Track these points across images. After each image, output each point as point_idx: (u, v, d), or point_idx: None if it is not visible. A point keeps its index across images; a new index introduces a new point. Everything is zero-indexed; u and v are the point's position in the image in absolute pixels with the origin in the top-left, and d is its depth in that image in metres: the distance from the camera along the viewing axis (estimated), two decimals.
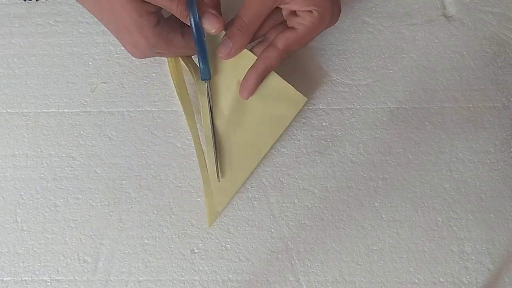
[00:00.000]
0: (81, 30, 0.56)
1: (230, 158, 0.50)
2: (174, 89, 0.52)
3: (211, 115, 0.50)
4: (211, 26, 0.46)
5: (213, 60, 0.50)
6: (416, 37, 0.55)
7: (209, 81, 0.49)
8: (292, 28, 0.48)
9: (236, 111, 0.50)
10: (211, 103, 0.49)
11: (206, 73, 0.48)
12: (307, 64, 0.54)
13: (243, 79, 0.49)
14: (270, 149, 0.52)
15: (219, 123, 0.50)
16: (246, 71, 0.49)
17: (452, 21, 0.56)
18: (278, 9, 0.49)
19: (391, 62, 0.54)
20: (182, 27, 0.47)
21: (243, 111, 0.50)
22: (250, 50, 0.50)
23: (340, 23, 0.55)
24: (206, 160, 0.50)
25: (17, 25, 0.56)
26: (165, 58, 0.53)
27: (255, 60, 0.49)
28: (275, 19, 0.50)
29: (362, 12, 0.56)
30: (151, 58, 0.54)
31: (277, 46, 0.48)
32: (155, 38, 0.45)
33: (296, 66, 0.54)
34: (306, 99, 0.51)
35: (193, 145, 0.51)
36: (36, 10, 0.56)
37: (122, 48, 0.55)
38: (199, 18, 0.45)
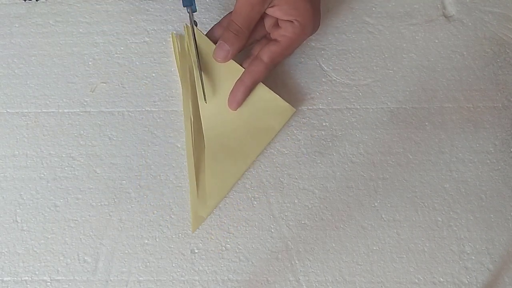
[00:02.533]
0: (81, 30, 0.56)
1: (216, 166, 0.50)
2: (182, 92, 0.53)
3: (196, 50, 0.50)
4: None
5: (204, 72, 0.50)
6: (416, 37, 0.55)
7: (191, 11, 0.50)
8: (275, 40, 0.50)
9: (224, 121, 0.50)
10: (194, 33, 0.50)
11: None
12: (307, 64, 0.54)
13: (231, 92, 0.50)
14: (269, 149, 0.52)
15: (207, 132, 0.50)
16: (234, 82, 0.50)
17: (452, 21, 0.56)
18: (261, 23, 0.50)
19: (391, 62, 0.54)
20: None
21: (231, 121, 0.51)
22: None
23: (340, 23, 0.55)
24: (196, 165, 0.50)
25: (17, 25, 0.56)
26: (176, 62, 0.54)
27: (242, 72, 0.50)
28: (259, 31, 0.51)
29: (362, 12, 0.56)
30: (151, 58, 0.54)
31: (262, 60, 0.50)
32: None
33: (296, 66, 0.54)
34: (294, 110, 0.52)
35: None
36: (36, 10, 0.56)
37: (122, 48, 0.55)
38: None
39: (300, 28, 0.49)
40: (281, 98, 0.51)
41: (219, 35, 0.51)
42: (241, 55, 0.51)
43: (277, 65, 0.52)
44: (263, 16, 0.50)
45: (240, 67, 0.51)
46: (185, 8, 0.50)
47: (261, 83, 0.51)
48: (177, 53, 0.53)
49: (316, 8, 0.49)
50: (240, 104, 0.50)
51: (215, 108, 0.51)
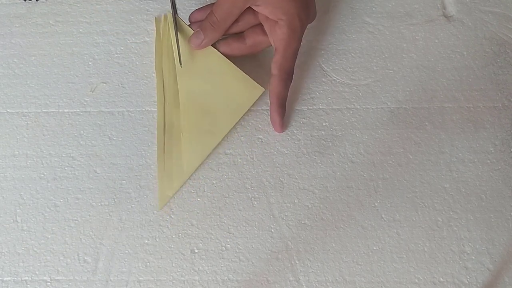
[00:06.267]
0: (81, 30, 0.56)
1: (184, 144, 0.51)
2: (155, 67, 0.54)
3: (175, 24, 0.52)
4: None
5: (182, 50, 0.52)
6: (416, 37, 0.55)
7: None
8: (275, 49, 0.50)
9: (192, 99, 0.51)
10: (175, 12, 0.52)
11: None
12: (307, 64, 0.54)
13: (271, 119, 0.51)
14: (269, 149, 0.52)
15: (175, 109, 0.51)
16: (210, 65, 0.52)
17: (452, 21, 0.56)
18: (254, 12, 0.51)
19: (391, 62, 0.54)
20: None
21: (199, 99, 0.51)
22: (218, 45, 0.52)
23: (340, 23, 0.55)
24: (165, 144, 0.51)
25: (17, 25, 0.56)
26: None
27: (219, 56, 0.52)
28: (250, 20, 0.51)
29: (362, 12, 0.56)
30: (151, 58, 0.54)
31: (273, 74, 0.51)
32: None
33: (296, 66, 0.54)
34: (263, 89, 0.52)
35: None
36: (36, 10, 0.56)
37: (122, 48, 0.55)
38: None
39: (287, 27, 0.49)
40: (250, 78, 0.52)
41: (195, 19, 0.53)
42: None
43: (291, 72, 0.51)
44: (255, 13, 0.51)
45: (216, 50, 0.52)
46: None
47: (231, 63, 0.52)
48: (157, 38, 0.55)
49: (303, 3, 0.49)
50: (282, 124, 0.51)
51: (185, 87, 0.51)
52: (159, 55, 0.54)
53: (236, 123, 0.52)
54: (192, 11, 0.53)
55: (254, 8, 0.50)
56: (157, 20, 0.55)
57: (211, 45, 0.52)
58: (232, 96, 0.52)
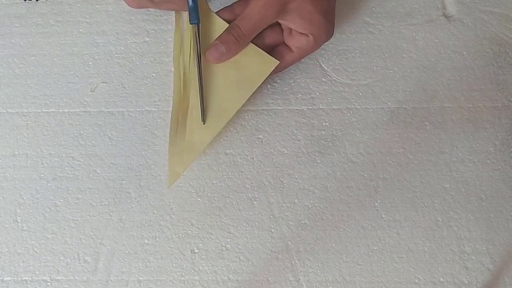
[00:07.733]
0: (81, 30, 0.56)
1: (196, 120, 0.50)
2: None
3: (199, 62, 0.49)
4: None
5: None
6: (416, 37, 0.55)
7: (197, 26, 0.49)
8: (289, 49, 0.50)
9: (205, 74, 0.50)
10: (199, 49, 0.49)
11: (195, 16, 0.48)
12: (307, 64, 0.54)
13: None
14: (269, 149, 0.52)
15: (193, 98, 0.51)
16: (215, 36, 0.49)
17: (452, 21, 0.56)
18: (278, 30, 0.50)
19: (391, 62, 0.54)
20: None
21: (212, 74, 0.50)
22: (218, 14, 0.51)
23: (340, 23, 0.55)
24: (179, 123, 0.51)
25: (17, 25, 0.56)
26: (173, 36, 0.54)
27: (225, 26, 0.49)
28: (273, 38, 0.51)
29: (362, 12, 0.56)
30: (151, 58, 0.54)
31: (279, 64, 0.50)
32: None
33: (296, 66, 0.54)
34: (277, 62, 0.51)
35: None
36: (36, 10, 0.56)
37: (122, 48, 0.55)
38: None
39: (314, 41, 0.49)
40: (264, 52, 0.50)
41: (225, 19, 0.50)
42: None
43: None
44: (278, 21, 0.49)
45: (224, 21, 0.50)
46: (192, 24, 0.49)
47: None
48: (177, 30, 0.54)
49: (330, 20, 0.50)
50: None
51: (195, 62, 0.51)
52: (178, 47, 0.53)
53: (237, 122, 0.52)
54: (219, 10, 0.51)
55: (280, 22, 0.49)
56: (178, 14, 0.54)
57: (223, 19, 0.50)
58: (245, 70, 0.50)
